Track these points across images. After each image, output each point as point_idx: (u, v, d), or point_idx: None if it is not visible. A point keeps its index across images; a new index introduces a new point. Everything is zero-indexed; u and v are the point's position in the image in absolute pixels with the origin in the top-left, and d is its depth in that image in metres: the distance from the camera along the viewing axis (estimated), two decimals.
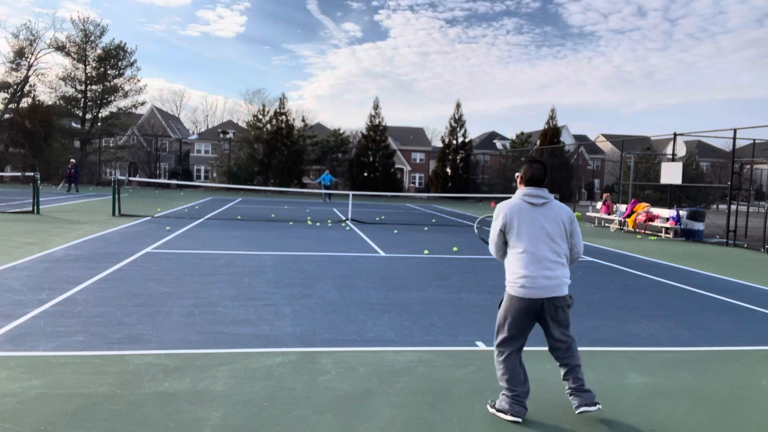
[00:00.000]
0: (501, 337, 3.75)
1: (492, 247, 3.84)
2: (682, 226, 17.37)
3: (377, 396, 3.96)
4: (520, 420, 3.61)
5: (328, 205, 27.47)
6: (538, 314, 3.65)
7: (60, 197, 24.29)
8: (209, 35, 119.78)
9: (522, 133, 47.87)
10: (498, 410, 3.71)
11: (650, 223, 18.49)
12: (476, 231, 4.57)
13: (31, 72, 41.43)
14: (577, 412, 3.66)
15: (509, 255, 3.75)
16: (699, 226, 17.07)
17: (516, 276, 3.64)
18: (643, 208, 18.97)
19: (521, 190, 3.80)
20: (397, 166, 47.70)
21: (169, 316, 5.81)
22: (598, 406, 3.64)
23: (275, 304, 6.53)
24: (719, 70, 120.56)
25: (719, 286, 8.98)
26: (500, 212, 3.74)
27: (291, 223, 16.68)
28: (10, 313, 5.64)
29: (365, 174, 42.11)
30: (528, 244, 3.63)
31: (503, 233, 3.74)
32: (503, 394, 3.72)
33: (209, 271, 8.39)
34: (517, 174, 3.95)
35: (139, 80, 44.23)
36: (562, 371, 3.79)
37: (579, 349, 5.30)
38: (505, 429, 3.54)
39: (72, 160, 30.16)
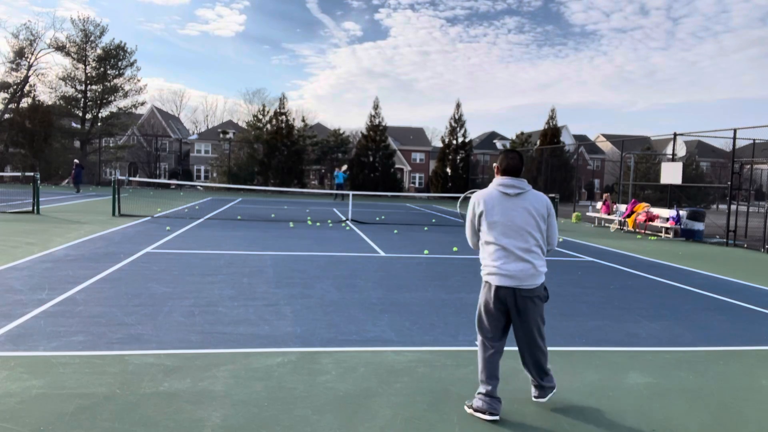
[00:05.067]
0: (479, 327, 3.79)
1: (467, 233, 3.86)
2: (682, 226, 17.37)
3: (377, 396, 3.96)
4: (497, 418, 3.60)
5: (328, 204, 27.46)
6: (508, 304, 3.64)
7: (60, 197, 24.29)
8: (209, 34, 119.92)
9: (522, 133, 47.88)
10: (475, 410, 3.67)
11: (650, 223, 18.49)
12: (458, 209, 4.51)
13: (31, 72, 41.44)
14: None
15: (481, 245, 3.77)
16: (699, 226, 17.07)
17: (488, 268, 3.68)
18: (643, 208, 18.97)
19: (496, 179, 3.76)
20: (397, 166, 47.70)
21: (169, 316, 5.81)
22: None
23: (275, 304, 6.53)
24: (721, 70, 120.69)
25: (719, 286, 8.98)
26: (474, 201, 3.73)
27: (291, 224, 16.67)
28: (10, 313, 5.64)
29: (365, 171, 42.14)
30: (499, 235, 3.62)
31: (475, 222, 3.75)
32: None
33: (209, 271, 8.39)
34: (494, 165, 3.89)
35: (139, 80, 44.27)
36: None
37: (579, 348, 5.31)
38: (505, 429, 3.54)
39: (75, 161, 30.33)
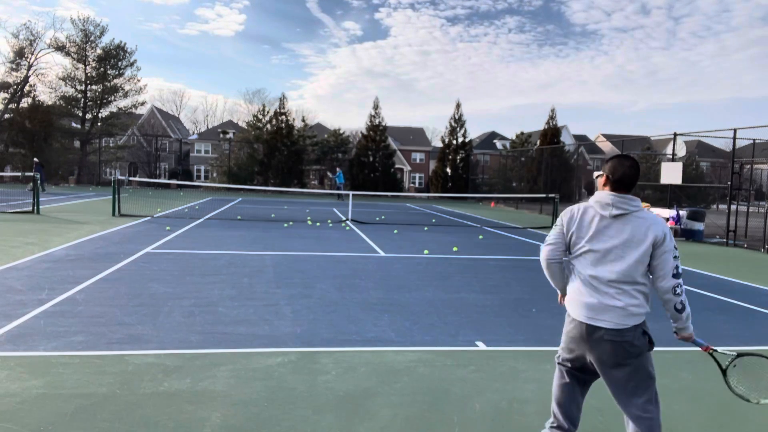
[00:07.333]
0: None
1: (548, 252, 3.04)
2: (682, 226, 17.37)
3: (377, 396, 3.96)
4: None
5: (328, 204, 27.46)
6: (584, 344, 2.94)
7: (61, 197, 24.29)
8: (208, 34, 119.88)
9: (522, 133, 47.90)
10: None
11: None
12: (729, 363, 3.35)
13: (31, 72, 41.43)
14: None
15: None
16: (699, 226, 17.07)
17: (570, 295, 3.05)
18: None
19: (598, 193, 2.97)
20: (397, 166, 47.71)
21: (169, 316, 5.81)
22: None
23: (275, 304, 6.53)
24: (722, 69, 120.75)
25: (719, 286, 8.98)
26: (562, 216, 3.04)
27: (290, 223, 16.67)
28: (10, 313, 5.64)
29: (365, 171, 42.16)
30: (585, 262, 2.92)
31: (563, 239, 3.00)
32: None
33: (209, 271, 8.39)
34: (596, 174, 3.20)
35: (139, 80, 44.26)
36: None
37: None
38: (505, 430, 3.54)
39: (35, 159, 29.56)
